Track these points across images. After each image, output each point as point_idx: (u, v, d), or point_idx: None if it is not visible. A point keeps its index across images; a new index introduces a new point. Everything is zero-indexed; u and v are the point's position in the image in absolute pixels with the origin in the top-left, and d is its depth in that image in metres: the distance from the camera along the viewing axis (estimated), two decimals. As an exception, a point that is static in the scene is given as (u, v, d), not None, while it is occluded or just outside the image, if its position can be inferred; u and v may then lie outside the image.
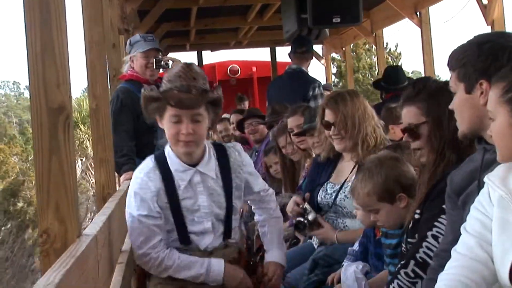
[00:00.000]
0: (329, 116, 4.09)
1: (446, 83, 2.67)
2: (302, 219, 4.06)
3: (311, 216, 4.05)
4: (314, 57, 15.31)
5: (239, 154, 3.54)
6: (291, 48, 7.58)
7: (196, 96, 3.23)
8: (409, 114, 2.95)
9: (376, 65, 13.14)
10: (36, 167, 2.24)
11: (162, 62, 5.80)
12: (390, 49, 28.25)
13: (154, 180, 3.32)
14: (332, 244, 3.99)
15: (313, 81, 7.31)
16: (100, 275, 2.42)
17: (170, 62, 5.71)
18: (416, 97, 2.96)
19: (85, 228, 2.54)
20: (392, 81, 7.00)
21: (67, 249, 2.15)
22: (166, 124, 3.35)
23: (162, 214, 3.34)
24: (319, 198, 4.16)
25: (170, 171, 3.37)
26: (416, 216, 2.87)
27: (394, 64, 25.34)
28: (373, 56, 27.50)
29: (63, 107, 2.25)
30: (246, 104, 13.23)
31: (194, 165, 3.39)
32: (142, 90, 3.48)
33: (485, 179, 2.15)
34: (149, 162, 3.42)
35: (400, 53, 28.61)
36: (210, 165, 3.42)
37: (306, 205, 4.10)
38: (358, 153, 4.01)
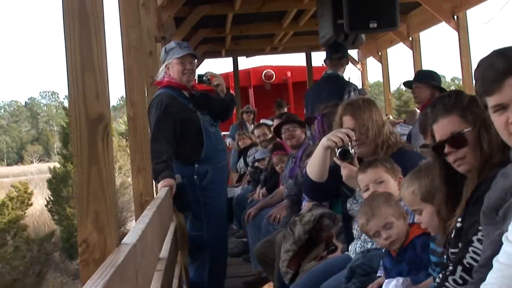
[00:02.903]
0: (348, 123, 4.14)
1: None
2: (348, 149, 4.03)
3: (352, 149, 4.05)
4: (350, 62, 15.50)
5: None
6: (326, 54, 7.60)
7: None
8: (451, 124, 2.90)
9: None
10: (76, 177, 2.26)
11: (204, 77, 5.96)
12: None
13: None
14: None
15: (349, 85, 7.33)
16: (139, 284, 2.43)
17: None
18: (454, 106, 2.93)
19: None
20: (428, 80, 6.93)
21: (106, 258, 2.15)
22: None
23: None
24: (348, 205, 4.19)
25: None
26: (458, 225, 2.83)
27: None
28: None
29: (102, 117, 2.27)
30: (286, 110, 13.17)
31: None
32: None
33: None
34: None
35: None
36: None
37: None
38: (379, 155, 4.05)
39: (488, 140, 2.79)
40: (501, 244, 2.22)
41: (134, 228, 2.78)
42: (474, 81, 2.47)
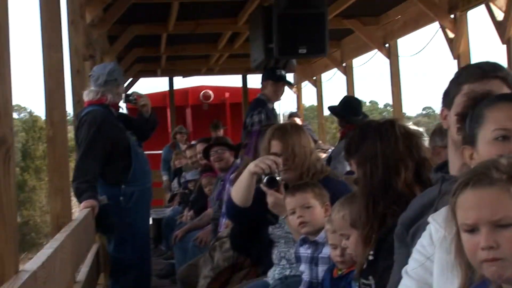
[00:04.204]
0: (276, 147, 4.12)
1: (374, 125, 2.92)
2: (275, 176, 3.98)
3: (279, 177, 4.00)
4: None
5: None
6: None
7: None
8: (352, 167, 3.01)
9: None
10: (-27, 202, 2.19)
11: (130, 97, 6.01)
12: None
13: None
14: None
15: (256, 108, 7.35)
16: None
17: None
18: (349, 151, 3.05)
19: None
20: (353, 112, 7.05)
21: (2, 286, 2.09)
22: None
23: None
24: (270, 229, 4.16)
25: None
26: (370, 258, 2.84)
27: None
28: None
29: (4, 140, 2.20)
30: (221, 131, 13.13)
31: None
32: None
33: (429, 219, 2.14)
34: None
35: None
36: None
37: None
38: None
39: (370, 184, 2.88)
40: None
41: (40, 254, 2.72)
42: (456, 77, 2.42)
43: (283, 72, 7.80)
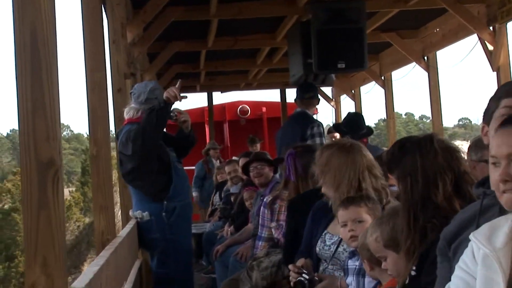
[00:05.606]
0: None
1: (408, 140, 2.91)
2: (301, 278, 3.87)
3: (309, 275, 3.94)
4: (324, 99, 15.58)
5: None
6: (297, 94, 7.65)
7: None
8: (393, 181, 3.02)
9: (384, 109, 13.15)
10: (24, 221, 2.25)
11: (171, 113, 5.97)
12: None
13: None
14: None
15: (313, 121, 7.39)
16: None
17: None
18: (389, 166, 3.05)
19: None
20: (354, 127, 7.18)
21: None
22: None
23: None
24: (317, 249, 4.12)
25: None
26: (413, 273, 2.84)
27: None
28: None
29: (53, 162, 2.26)
30: (258, 146, 13.15)
31: None
32: None
33: (470, 236, 2.14)
34: None
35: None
36: None
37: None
38: None
39: (410, 196, 2.88)
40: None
41: (87, 271, 2.77)
42: (495, 93, 2.50)
43: None
